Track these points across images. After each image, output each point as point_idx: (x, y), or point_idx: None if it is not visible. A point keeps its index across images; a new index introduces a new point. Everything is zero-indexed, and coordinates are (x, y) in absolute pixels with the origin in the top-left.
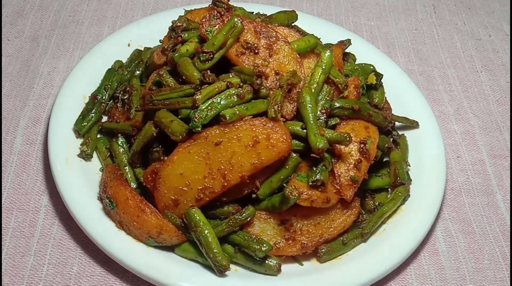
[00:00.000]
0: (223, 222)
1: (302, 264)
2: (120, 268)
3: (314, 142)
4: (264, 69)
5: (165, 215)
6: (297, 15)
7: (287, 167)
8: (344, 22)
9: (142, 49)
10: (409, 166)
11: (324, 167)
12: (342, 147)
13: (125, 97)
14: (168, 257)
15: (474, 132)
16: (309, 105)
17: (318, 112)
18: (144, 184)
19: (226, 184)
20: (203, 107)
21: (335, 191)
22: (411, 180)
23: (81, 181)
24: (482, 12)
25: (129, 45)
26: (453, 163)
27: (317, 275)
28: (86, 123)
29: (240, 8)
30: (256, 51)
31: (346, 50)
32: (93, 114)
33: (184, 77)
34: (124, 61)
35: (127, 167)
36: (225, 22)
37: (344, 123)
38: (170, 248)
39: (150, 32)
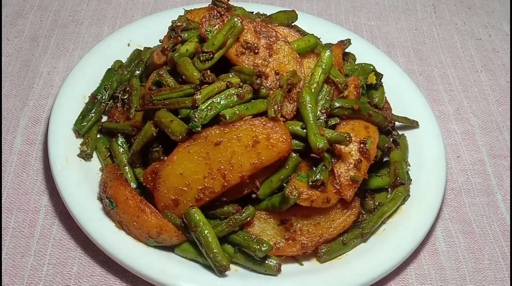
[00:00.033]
0: (223, 222)
1: (302, 264)
2: (120, 268)
3: (314, 142)
4: (264, 69)
5: (165, 215)
6: (297, 15)
7: (287, 167)
8: (344, 22)
9: (142, 49)
10: (409, 166)
11: (324, 167)
12: (342, 147)
13: (125, 97)
14: (168, 257)
15: (474, 132)
16: (309, 105)
17: (318, 112)
18: (144, 184)
19: (226, 184)
20: (203, 107)
21: (335, 191)
22: (411, 180)
23: (81, 181)
24: (482, 12)
25: (129, 45)
26: (453, 163)
27: (317, 275)
28: (86, 123)
29: (240, 8)
30: (256, 51)
31: (346, 50)
32: (93, 114)
33: (184, 77)
34: (124, 61)
35: (127, 167)
36: (225, 22)
37: (344, 123)
38: (170, 248)
39: (150, 32)
